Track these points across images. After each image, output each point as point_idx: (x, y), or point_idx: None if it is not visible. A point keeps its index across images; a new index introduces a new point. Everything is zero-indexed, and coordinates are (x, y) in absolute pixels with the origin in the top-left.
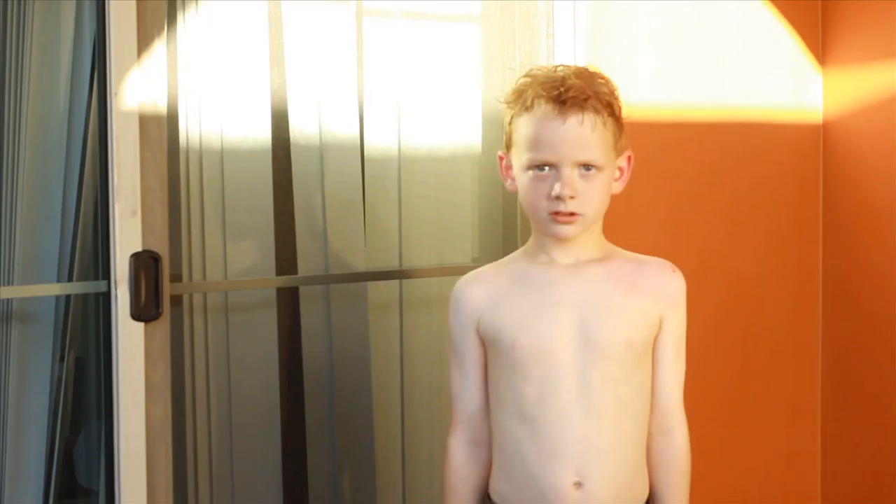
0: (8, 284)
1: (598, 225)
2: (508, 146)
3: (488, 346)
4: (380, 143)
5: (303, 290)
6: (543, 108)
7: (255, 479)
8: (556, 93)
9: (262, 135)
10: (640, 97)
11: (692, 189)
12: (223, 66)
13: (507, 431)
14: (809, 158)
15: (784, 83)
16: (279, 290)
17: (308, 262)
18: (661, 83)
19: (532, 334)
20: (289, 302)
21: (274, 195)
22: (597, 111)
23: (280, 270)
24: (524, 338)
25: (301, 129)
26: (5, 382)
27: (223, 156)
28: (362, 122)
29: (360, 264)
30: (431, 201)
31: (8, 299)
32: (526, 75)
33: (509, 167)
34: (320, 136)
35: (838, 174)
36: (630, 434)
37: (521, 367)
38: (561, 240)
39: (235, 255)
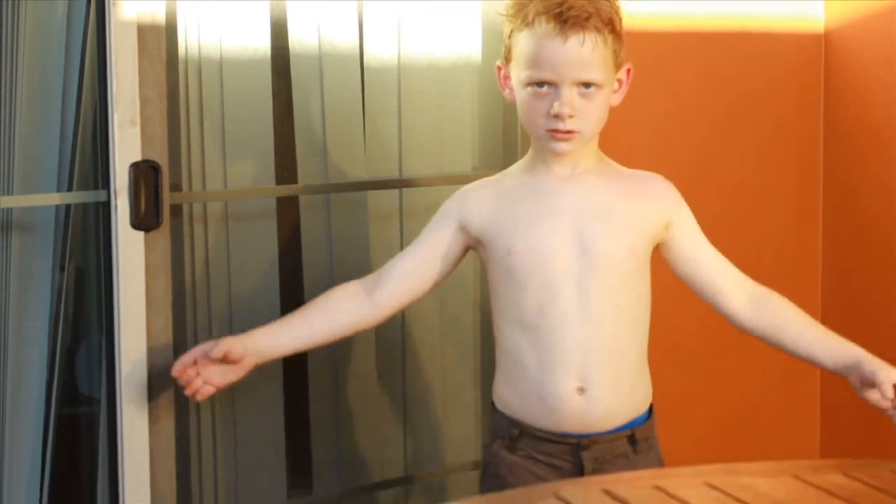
0: (7, 194)
1: (595, 136)
2: (507, 58)
3: (485, 252)
4: (379, 52)
5: (303, 200)
6: (544, 26)
7: (256, 382)
8: (557, 10)
9: (261, 45)
10: (639, 7)
11: (692, 100)
12: None
13: (509, 339)
14: (811, 68)
15: None
16: (279, 200)
17: (308, 171)
18: None
19: (529, 240)
20: (289, 211)
21: (273, 105)
22: (598, 30)
23: (280, 180)
24: (521, 243)
25: (300, 39)
26: (6, 293)
27: (222, 66)
28: (362, 31)
29: (360, 173)
30: (431, 110)
31: (7, 209)
32: None
33: (507, 77)
34: (319, 46)
35: (840, 83)
36: (629, 341)
37: (518, 274)
38: (558, 154)
39: (235, 164)
